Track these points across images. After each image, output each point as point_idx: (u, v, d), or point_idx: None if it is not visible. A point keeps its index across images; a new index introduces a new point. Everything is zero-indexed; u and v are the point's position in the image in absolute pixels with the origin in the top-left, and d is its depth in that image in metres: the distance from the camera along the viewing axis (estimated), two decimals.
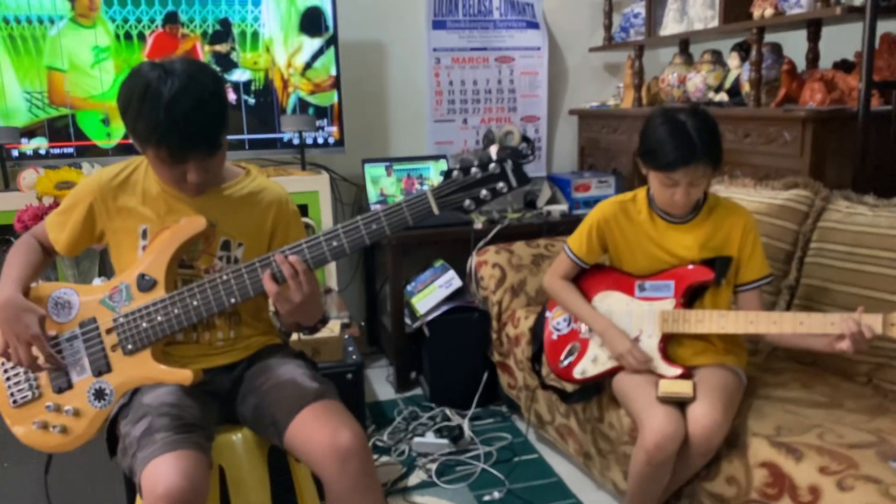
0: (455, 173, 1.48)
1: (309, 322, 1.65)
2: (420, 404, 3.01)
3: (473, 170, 1.48)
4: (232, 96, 3.17)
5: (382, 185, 3.37)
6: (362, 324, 3.62)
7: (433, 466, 2.50)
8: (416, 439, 2.64)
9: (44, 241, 1.69)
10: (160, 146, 1.45)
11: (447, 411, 2.89)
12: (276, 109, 3.24)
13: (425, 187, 3.38)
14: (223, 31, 3.11)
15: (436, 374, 2.98)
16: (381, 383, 3.28)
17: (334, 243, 1.50)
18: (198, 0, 3.06)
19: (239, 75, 3.17)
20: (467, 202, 1.48)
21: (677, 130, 1.82)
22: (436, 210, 1.48)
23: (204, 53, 3.12)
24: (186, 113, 1.42)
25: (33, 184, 2.75)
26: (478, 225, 3.10)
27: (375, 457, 2.56)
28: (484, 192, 1.48)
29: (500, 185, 1.48)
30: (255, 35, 3.16)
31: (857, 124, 2.26)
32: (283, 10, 3.16)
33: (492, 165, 1.48)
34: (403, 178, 3.41)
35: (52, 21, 2.94)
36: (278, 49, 3.20)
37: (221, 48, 3.11)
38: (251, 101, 3.20)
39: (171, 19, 3.05)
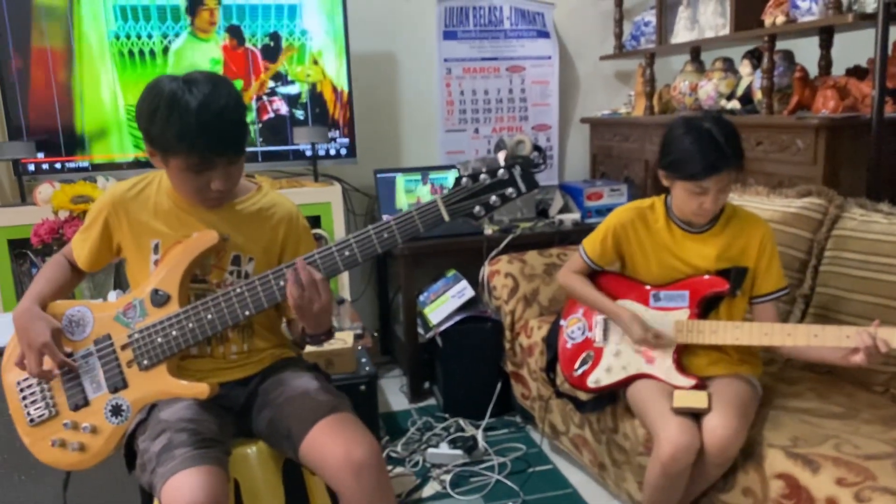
0: (464, 180, 1.49)
1: (319, 330, 1.63)
2: (434, 415, 3.01)
3: (482, 176, 1.48)
4: (285, 109, 3.22)
5: (419, 193, 3.38)
6: (375, 334, 3.62)
7: (447, 477, 2.50)
8: (430, 450, 2.64)
9: (71, 260, 1.74)
10: (191, 152, 1.47)
11: (461, 422, 2.89)
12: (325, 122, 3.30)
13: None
14: (273, 45, 3.18)
15: (449, 385, 2.98)
16: (394, 393, 3.28)
17: (346, 253, 1.51)
18: (248, 14, 3.11)
19: (290, 88, 3.22)
20: (477, 209, 1.49)
21: (704, 139, 1.82)
22: (446, 217, 1.49)
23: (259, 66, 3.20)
24: (216, 117, 1.46)
25: (49, 198, 2.77)
26: (488, 230, 3.11)
27: (389, 468, 2.56)
28: (493, 198, 1.49)
29: (510, 190, 1.49)
30: (303, 48, 3.20)
31: (870, 131, 2.24)
32: (336, 22, 3.20)
33: (500, 171, 1.49)
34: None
35: (176, 35, 3.05)
36: (329, 62, 3.24)
37: (272, 62, 3.18)
38: (299, 113, 3.24)
39: (234, 33, 3.13)
